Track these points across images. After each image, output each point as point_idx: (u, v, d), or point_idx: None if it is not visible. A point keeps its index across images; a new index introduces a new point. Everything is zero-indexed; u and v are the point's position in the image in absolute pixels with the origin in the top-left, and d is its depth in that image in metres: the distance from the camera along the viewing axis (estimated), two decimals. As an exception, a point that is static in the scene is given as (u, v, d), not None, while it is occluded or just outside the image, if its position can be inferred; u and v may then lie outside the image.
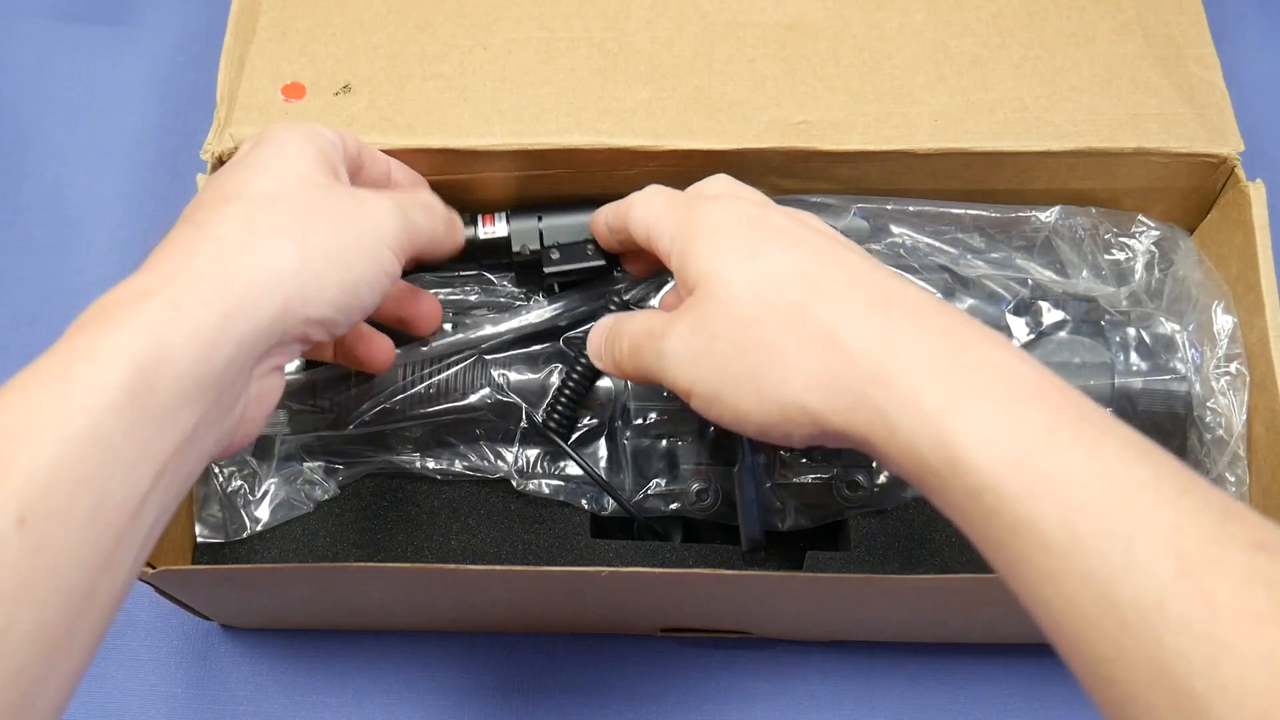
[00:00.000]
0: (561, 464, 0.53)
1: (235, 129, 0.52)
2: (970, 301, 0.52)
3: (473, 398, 0.52)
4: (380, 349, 0.48)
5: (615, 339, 0.44)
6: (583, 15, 0.55)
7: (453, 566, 0.48)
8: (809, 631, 0.56)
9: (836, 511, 0.52)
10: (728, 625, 0.56)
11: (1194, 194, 0.54)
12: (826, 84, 0.53)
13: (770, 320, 0.37)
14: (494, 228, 0.52)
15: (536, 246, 0.51)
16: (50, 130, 0.69)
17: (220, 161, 0.52)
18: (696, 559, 0.51)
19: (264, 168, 0.39)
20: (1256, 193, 0.51)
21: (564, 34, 0.54)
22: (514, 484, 0.52)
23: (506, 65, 0.53)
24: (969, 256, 0.53)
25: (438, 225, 0.44)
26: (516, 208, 0.52)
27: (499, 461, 0.53)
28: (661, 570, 0.47)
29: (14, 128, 0.69)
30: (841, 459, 0.52)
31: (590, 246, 0.50)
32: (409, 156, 0.51)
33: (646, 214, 0.44)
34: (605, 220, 0.48)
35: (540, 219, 0.51)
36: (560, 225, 0.51)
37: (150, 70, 0.71)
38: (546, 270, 0.50)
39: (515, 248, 0.51)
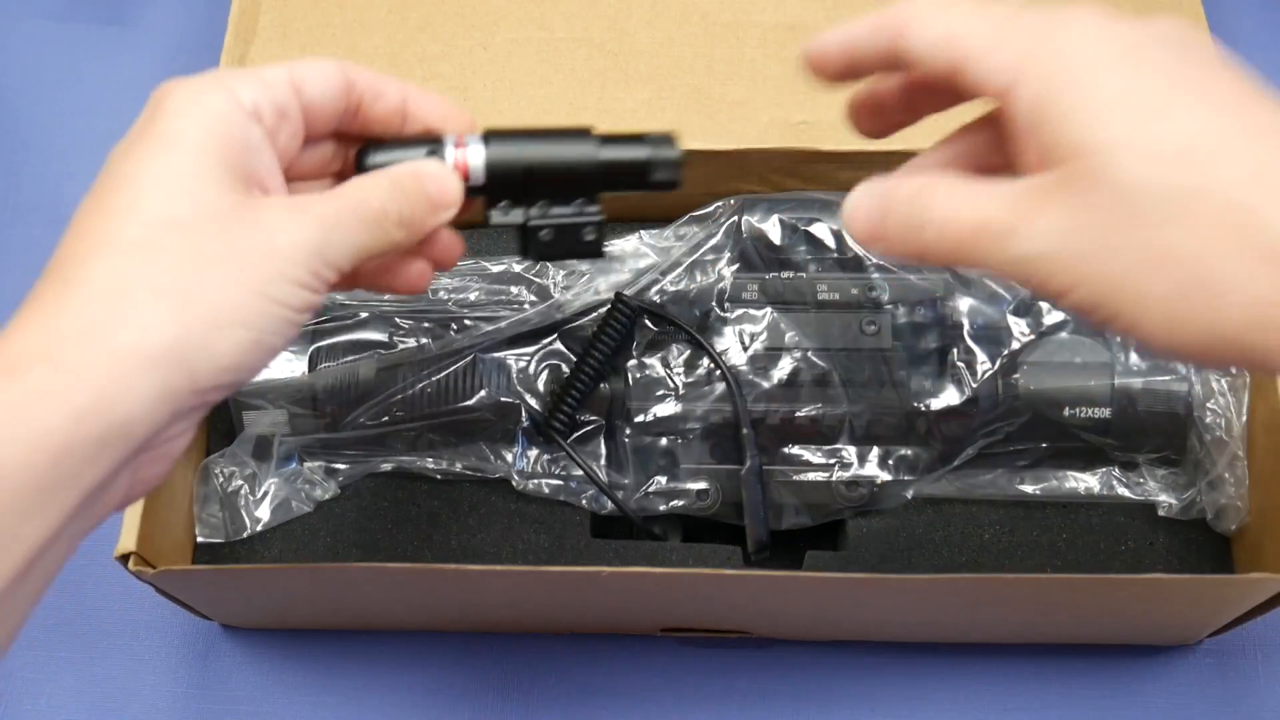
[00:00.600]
0: (561, 464, 0.53)
1: (235, 129, 0.52)
2: (970, 301, 0.52)
3: (472, 399, 0.52)
4: (416, 274, 0.38)
5: (915, 225, 0.31)
6: (583, 15, 0.55)
7: (453, 566, 0.48)
8: (809, 631, 0.56)
9: (836, 511, 0.52)
10: (728, 625, 0.56)
11: (1194, 194, 0.54)
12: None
13: (1195, 223, 0.28)
14: (468, 179, 0.38)
15: (519, 219, 0.38)
16: (50, 130, 0.69)
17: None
18: (696, 559, 0.51)
19: (148, 184, 0.32)
20: (1256, 193, 0.51)
21: (564, 34, 0.54)
22: (514, 484, 0.52)
23: (506, 65, 0.53)
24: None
25: (396, 225, 0.34)
26: (493, 135, 0.38)
27: (499, 461, 0.53)
28: (661, 570, 0.47)
29: (14, 128, 0.69)
30: (841, 458, 0.52)
31: (589, 227, 0.39)
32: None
33: (951, 30, 0.31)
34: (848, 42, 0.35)
35: (529, 176, 0.38)
36: (551, 171, 0.38)
37: (150, 70, 0.71)
38: (528, 258, 0.40)
39: (494, 218, 0.39)
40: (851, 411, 0.51)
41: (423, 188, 0.35)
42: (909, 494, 0.52)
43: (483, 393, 0.52)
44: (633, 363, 0.52)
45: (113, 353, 0.29)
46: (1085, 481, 0.53)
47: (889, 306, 0.52)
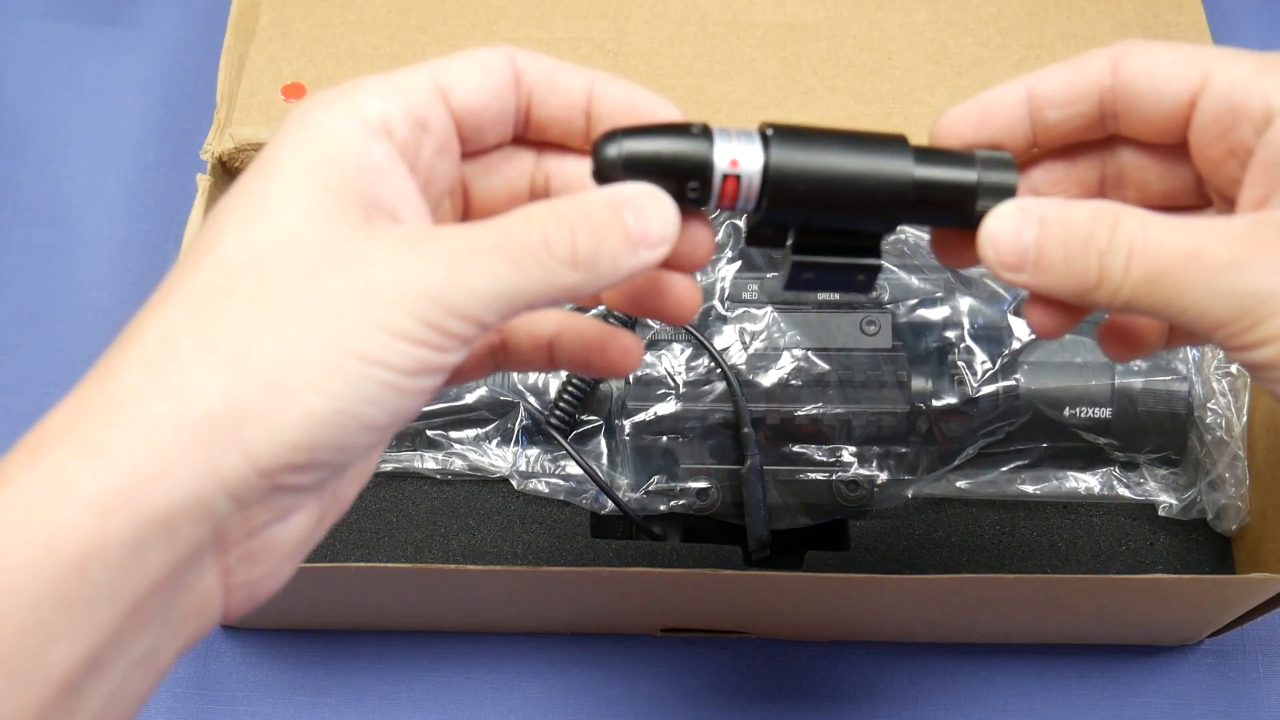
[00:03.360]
0: (561, 463, 0.53)
1: (235, 129, 0.52)
2: (970, 301, 0.52)
3: (470, 397, 0.52)
4: (622, 354, 0.32)
5: (1095, 249, 0.27)
6: (583, 15, 0.55)
7: (453, 567, 0.48)
8: (809, 631, 0.56)
9: (836, 511, 0.52)
10: (728, 625, 0.56)
11: (1194, 194, 0.54)
12: (826, 84, 0.53)
13: None
14: (737, 203, 0.28)
15: (784, 244, 0.30)
16: (50, 130, 0.69)
17: (220, 162, 0.52)
18: (696, 559, 0.51)
19: (233, 223, 0.26)
20: (1256, 193, 0.51)
21: (564, 34, 0.54)
22: (514, 484, 0.52)
23: (506, 65, 0.53)
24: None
25: (568, 265, 0.26)
26: (778, 132, 0.28)
27: (499, 461, 0.53)
28: (661, 570, 0.47)
29: (14, 128, 0.69)
30: (841, 458, 0.52)
31: (863, 272, 0.30)
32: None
33: (1192, 57, 0.28)
34: (1057, 91, 0.30)
35: (815, 202, 0.28)
36: (845, 190, 0.28)
37: (150, 70, 0.71)
38: (784, 287, 0.30)
39: (752, 239, 0.30)
40: (851, 411, 0.51)
41: (617, 218, 0.26)
42: (909, 494, 0.52)
43: (482, 391, 0.52)
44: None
45: (146, 427, 0.23)
46: (1085, 481, 0.53)
47: (889, 306, 0.52)
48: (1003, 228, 0.28)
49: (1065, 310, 0.30)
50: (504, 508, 0.52)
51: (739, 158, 0.27)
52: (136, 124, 0.69)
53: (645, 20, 0.55)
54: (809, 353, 0.51)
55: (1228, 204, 0.29)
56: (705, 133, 0.27)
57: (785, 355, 0.51)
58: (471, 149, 0.29)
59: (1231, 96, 0.27)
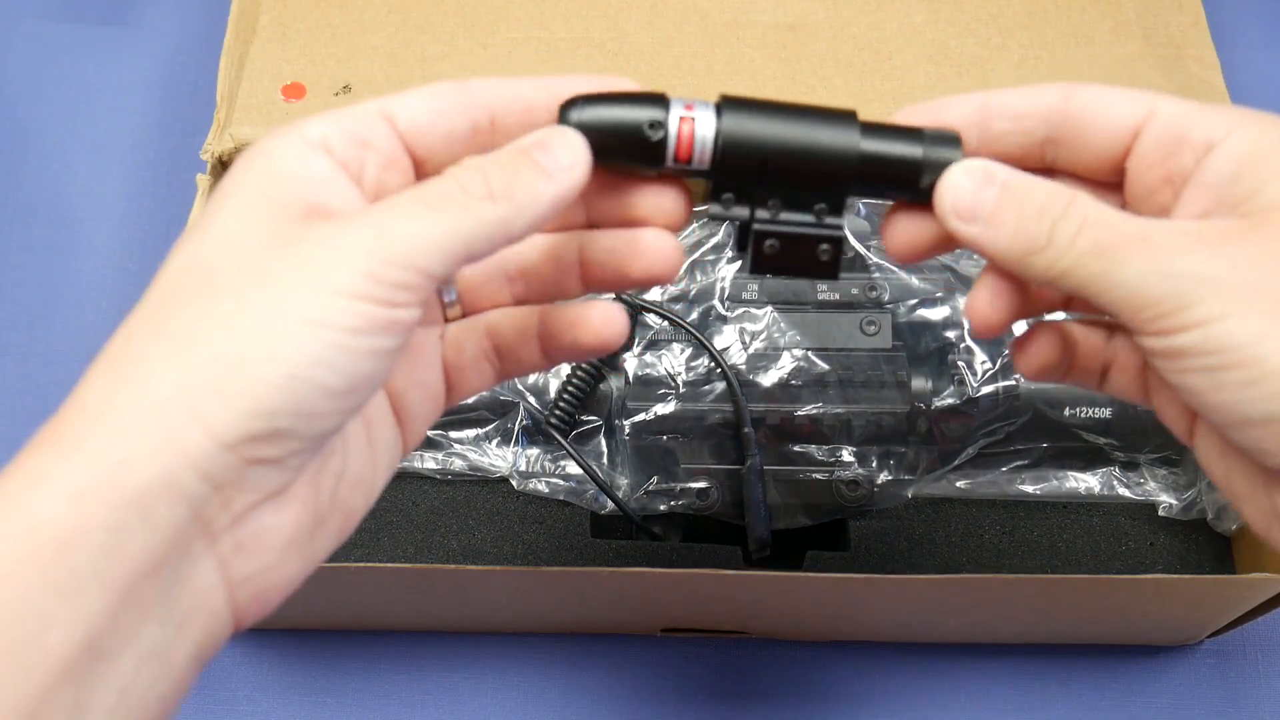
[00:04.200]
0: (561, 463, 0.53)
1: (235, 129, 0.52)
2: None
3: (470, 397, 0.51)
4: (604, 322, 0.33)
5: (1049, 216, 0.28)
6: (583, 15, 0.55)
7: (453, 567, 0.48)
8: (809, 631, 0.56)
9: (836, 511, 0.52)
10: (728, 625, 0.56)
11: (1194, 194, 0.54)
12: (826, 84, 0.53)
13: None
14: (692, 157, 0.30)
15: (744, 216, 0.31)
16: (50, 130, 0.69)
17: (220, 162, 0.52)
18: (696, 559, 0.51)
19: (185, 241, 0.28)
20: (1256, 193, 0.51)
21: (564, 34, 0.54)
22: (514, 484, 0.52)
23: (507, 65, 0.53)
24: (971, 255, 0.53)
25: (487, 200, 0.27)
26: (731, 103, 0.30)
27: (499, 461, 0.53)
28: (661, 570, 0.47)
29: (14, 128, 0.69)
30: (841, 458, 0.52)
31: (826, 244, 0.31)
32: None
33: (1141, 95, 0.30)
34: (1010, 104, 0.31)
35: (765, 163, 0.30)
36: (795, 159, 0.30)
37: (150, 70, 0.71)
38: (748, 270, 0.32)
39: (714, 211, 0.31)
40: (851, 411, 0.51)
41: (525, 157, 0.28)
42: (909, 494, 0.52)
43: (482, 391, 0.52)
44: (633, 361, 0.52)
45: (111, 418, 0.24)
46: (1085, 481, 0.53)
47: (889, 306, 0.52)
48: (965, 181, 0.30)
49: (1008, 299, 0.31)
50: (504, 508, 0.52)
51: (694, 114, 0.29)
52: (136, 124, 0.69)
53: (645, 20, 0.55)
54: (809, 353, 0.51)
55: None
56: (659, 97, 0.29)
57: (785, 355, 0.51)
58: (435, 171, 0.30)
59: (1177, 125, 0.30)
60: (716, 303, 0.52)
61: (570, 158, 0.28)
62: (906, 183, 0.30)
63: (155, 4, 0.73)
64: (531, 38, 0.54)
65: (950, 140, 0.30)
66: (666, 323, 0.53)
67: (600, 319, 0.33)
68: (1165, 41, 0.55)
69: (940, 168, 0.30)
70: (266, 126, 0.52)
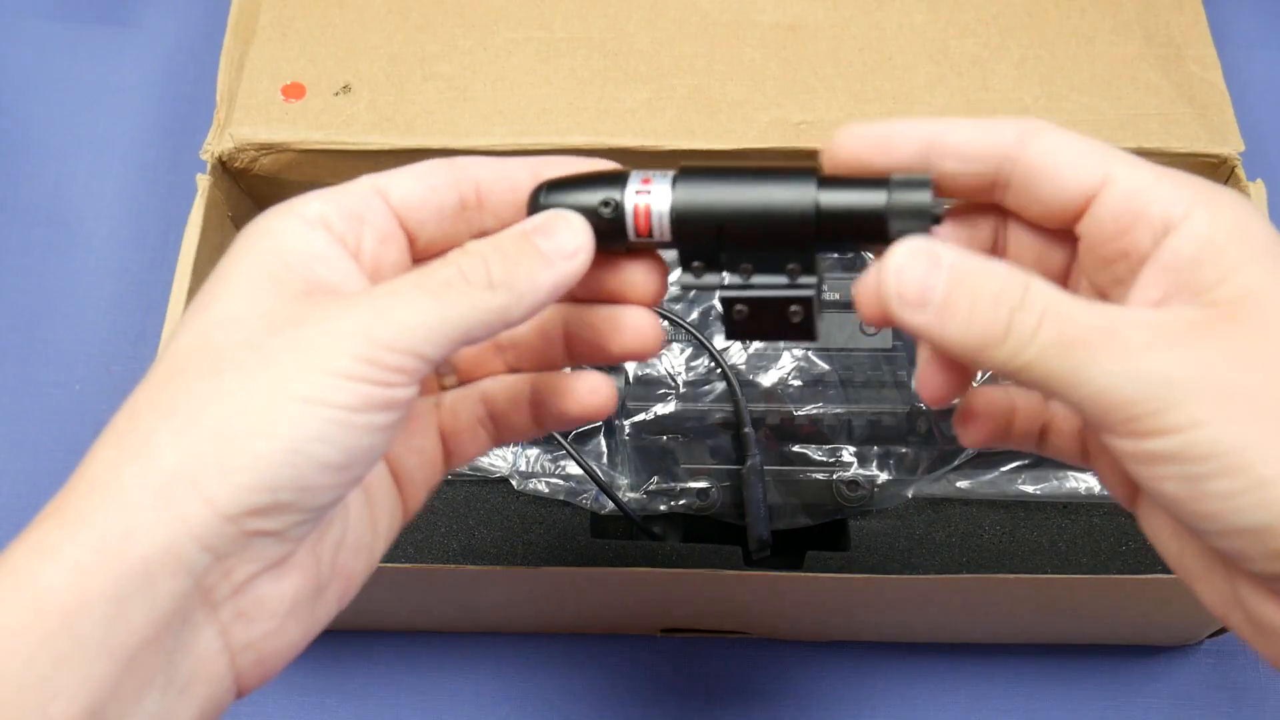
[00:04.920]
0: (561, 463, 0.53)
1: (235, 129, 0.52)
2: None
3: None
4: (590, 392, 0.33)
5: (1004, 304, 0.26)
6: (583, 15, 0.55)
7: (453, 566, 0.48)
8: (809, 631, 0.56)
9: (836, 511, 0.52)
10: (728, 625, 0.56)
11: (1194, 194, 0.54)
12: (826, 84, 0.53)
13: None
14: (651, 230, 0.30)
15: (716, 280, 0.30)
16: (50, 130, 0.69)
17: (220, 162, 0.52)
18: (696, 559, 0.51)
19: (188, 321, 0.28)
20: (1257, 193, 0.51)
21: (564, 34, 0.54)
22: (514, 484, 0.52)
23: (506, 65, 0.53)
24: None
25: (487, 289, 0.28)
26: (688, 173, 0.30)
27: (499, 461, 0.53)
28: (661, 570, 0.47)
29: (14, 128, 0.69)
30: (841, 458, 0.52)
31: (796, 305, 0.30)
32: (409, 157, 0.51)
33: (1098, 149, 0.28)
34: (963, 145, 0.29)
35: (723, 234, 0.29)
36: (748, 224, 0.29)
37: (150, 70, 0.71)
38: (727, 336, 0.31)
39: (686, 281, 0.31)
40: (851, 411, 0.51)
41: (527, 243, 0.29)
42: (909, 494, 0.52)
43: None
44: (633, 361, 0.52)
45: (116, 492, 0.25)
46: (1085, 481, 0.53)
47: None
48: (910, 263, 0.27)
49: (958, 373, 0.30)
50: (504, 508, 0.52)
51: (651, 188, 0.29)
52: (136, 124, 0.69)
53: (645, 20, 0.55)
54: (809, 353, 0.51)
55: (1103, 298, 0.30)
56: (621, 175, 0.30)
57: (785, 355, 0.51)
58: (427, 245, 0.31)
59: (1134, 201, 0.28)
60: (717, 302, 0.52)
61: (573, 243, 0.29)
62: (874, 233, 0.28)
63: (155, 4, 0.73)
64: (531, 38, 0.54)
65: (919, 184, 0.28)
66: (666, 323, 0.53)
67: (587, 390, 0.33)
68: (1165, 41, 0.55)
69: (910, 214, 0.28)
70: (266, 126, 0.52)
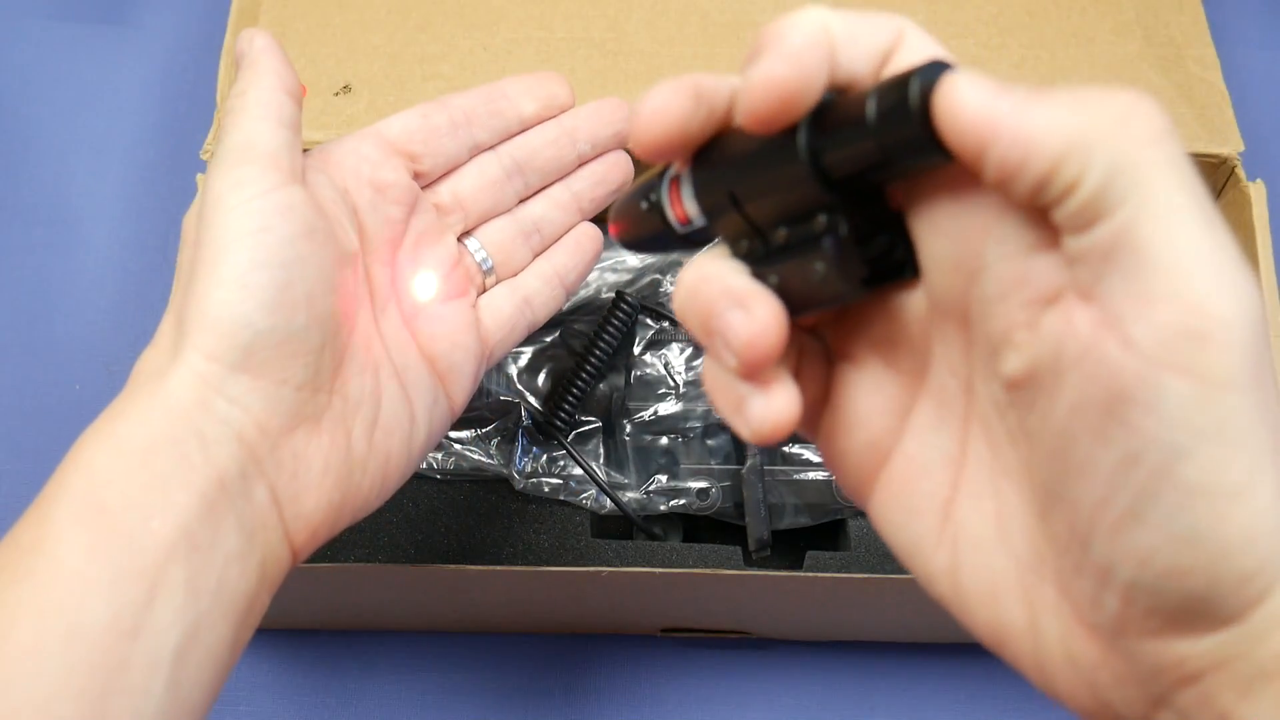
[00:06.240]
0: (561, 463, 0.53)
1: (235, 129, 0.52)
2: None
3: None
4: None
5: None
6: (583, 15, 0.55)
7: (453, 566, 0.48)
8: (809, 631, 0.56)
9: (836, 511, 0.52)
10: (728, 625, 0.56)
11: (1194, 194, 0.54)
12: (826, 84, 0.53)
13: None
14: (689, 216, 0.28)
15: (743, 245, 0.27)
16: (50, 130, 0.69)
17: (220, 161, 0.52)
18: (696, 559, 0.51)
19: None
20: (1257, 193, 0.51)
21: (564, 34, 0.54)
22: (514, 484, 0.52)
23: (506, 65, 0.53)
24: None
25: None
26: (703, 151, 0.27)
27: (499, 461, 0.53)
28: (661, 570, 0.47)
29: (14, 128, 0.69)
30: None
31: (818, 255, 0.25)
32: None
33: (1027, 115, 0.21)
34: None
35: (735, 199, 0.26)
36: (755, 186, 0.26)
37: (150, 70, 0.71)
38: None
39: (729, 247, 0.27)
40: (851, 411, 0.51)
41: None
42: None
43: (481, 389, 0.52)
44: (633, 361, 0.52)
45: (150, 369, 0.32)
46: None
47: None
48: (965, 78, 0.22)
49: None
50: (504, 508, 0.52)
51: (678, 170, 0.28)
52: (136, 124, 0.69)
53: (645, 20, 0.55)
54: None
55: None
56: (663, 169, 0.29)
57: (785, 355, 0.51)
58: (431, 167, 0.41)
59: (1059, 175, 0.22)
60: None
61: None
62: (876, 154, 0.23)
63: (155, 4, 0.73)
64: (531, 38, 0.54)
65: (902, 81, 0.22)
66: (666, 323, 0.53)
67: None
68: (1165, 41, 0.55)
69: (903, 83, 0.22)
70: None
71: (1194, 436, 0.20)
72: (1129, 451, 0.21)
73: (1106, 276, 0.21)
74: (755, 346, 0.24)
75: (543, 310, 0.42)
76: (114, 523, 0.29)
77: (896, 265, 0.25)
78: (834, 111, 0.24)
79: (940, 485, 0.26)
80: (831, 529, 0.53)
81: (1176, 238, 0.20)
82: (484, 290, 0.41)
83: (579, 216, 0.42)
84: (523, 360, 0.53)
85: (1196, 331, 0.20)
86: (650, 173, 0.29)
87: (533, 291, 0.41)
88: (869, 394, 0.27)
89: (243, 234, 0.32)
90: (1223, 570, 0.21)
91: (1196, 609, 0.21)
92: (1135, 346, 0.20)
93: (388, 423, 0.35)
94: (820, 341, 0.28)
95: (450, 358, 0.38)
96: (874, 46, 0.24)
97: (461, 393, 0.38)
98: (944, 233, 0.24)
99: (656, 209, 0.28)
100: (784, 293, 0.25)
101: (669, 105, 0.25)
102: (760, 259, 0.26)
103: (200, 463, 0.30)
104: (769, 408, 0.25)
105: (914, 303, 0.26)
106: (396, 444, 0.36)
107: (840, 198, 0.24)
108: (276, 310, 0.32)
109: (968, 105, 0.21)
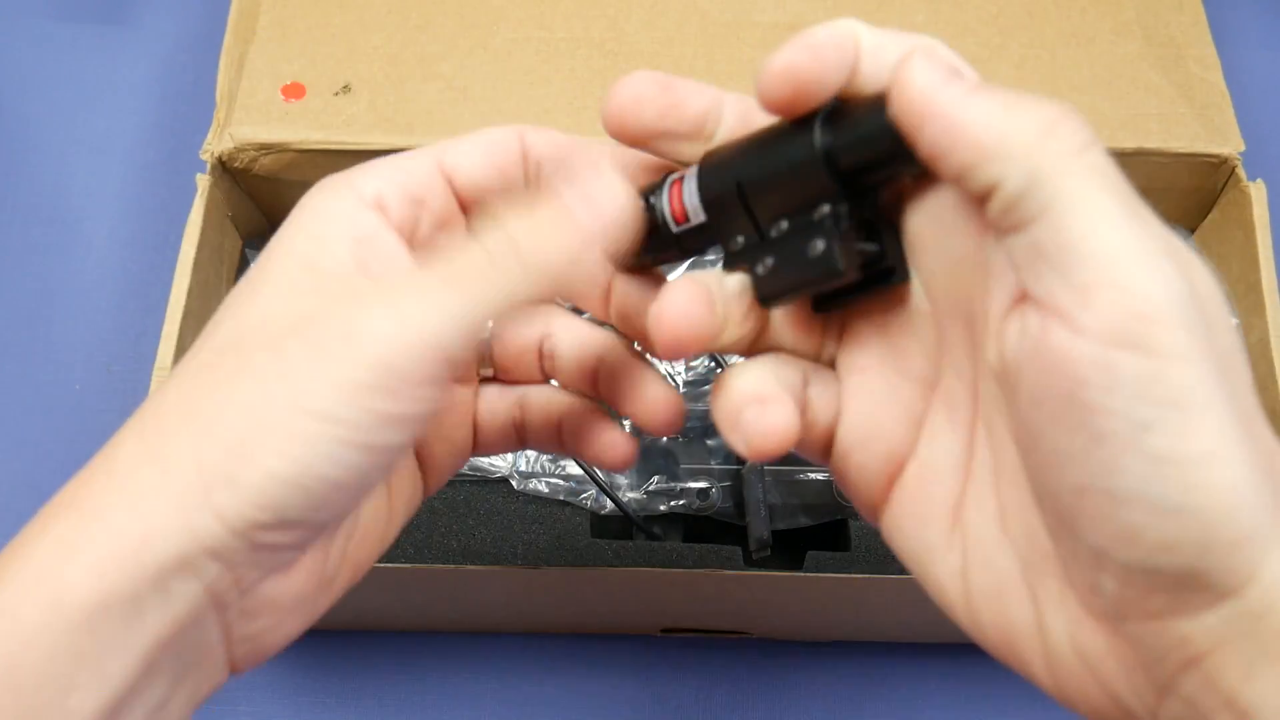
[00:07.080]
0: (561, 463, 0.52)
1: (235, 129, 0.52)
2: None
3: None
4: (612, 446, 0.33)
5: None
6: (583, 15, 0.55)
7: (453, 567, 0.48)
8: (809, 631, 0.56)
9: (836, 511, 0.52)
10: (728, 625, 0.56)
11: (1194, 194, 0.54)
12: (826, 84, 0.53)
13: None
14: (687, 214, 0.29)
15: (739, 241, 0.28)
16: (50, 130, 0.69)
17: (220, 162, 0.52)
18: (696, 559, 0.51)
19: (230, 306, 0.28)
20: (1257, 193, 0.51)
21: (564, 34, 0.54)
22: (514, 484, 0.52)
23: (506, 65, 0.53)
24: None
25: (532, 277, 0.26)
26: (710, 154, 0.28)
27: (499, 461, 0.52)
28: (661, 570, 0.47)
29: (14, 128, 0.69)
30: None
31: (816, 241, 0.26)
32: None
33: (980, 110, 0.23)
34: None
35: (741, 189, 0.27)
36: (763, 182, 0.27)
37: (150, 70, 0.71)
38: (763, 306, 0.28)
39: (722, 247, 0.29)
40: (851, 411, 0.51)
41: (560, 215, 0.27)
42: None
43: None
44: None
45: (134, 495, 0.25)
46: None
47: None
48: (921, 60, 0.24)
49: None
50: (504, 508, 0.52)
51: (681, 174, 0.29)
52: (136, 124, 0.69)
53: (645, 20, 0.55)
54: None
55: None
56: (665, 176, 0.29)
57: (785, 355, 0.51)
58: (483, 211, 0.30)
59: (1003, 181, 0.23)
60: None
61: (613, 206, 0.27)
62: (890, 151, 0.24)
63: (155, 4, 0.73)
64: (531, 38, 0.54)
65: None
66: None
67: (606, 444, 0.33)
68: (1165, 41, 0.55)
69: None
70: (266, 126, 0.52)
71: (1154, 406, 0.21)
72: (1095, 432, 0.22)
73: (1046, 274, 0.22)
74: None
75: (535, 443, 0.35)
76: (29, 702, 0.24)
77: (887, 270, 0.27)
78: (849, 105, 0.25)
79: (950, 489, 0.27)
80: (832, 529, 0.53)
81: (1105, 234, 0.22)
82: (482, 381, 0.35)
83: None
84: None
85: (1140, 313, 0.21)
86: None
87: (533, 419, 0.35)
88: (883, 404, 0.28)
89: (333, 418, 0.25)
90: (1209, 540, 0.21)
91: (1190, 583, 0.22)
92: (1086, 333, 0.21)
93: (366, 531, 0.30)
94: (828, 367, 0.29)
95: (436, 448, 0.33)
96: (899, 60, 0.24)
97: (437, 483, 0.34)
98: (945, 229, 0.25)
99: (652, 209, 0.29)
100: (777, 275, 0.27)
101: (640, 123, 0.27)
102: (755, 249, 0.27)
103: (154, 622, 0.25)
104: (764, 420, 0.26)
105: (922, 307, 0.27)
106: (368, 551, 0.31)
107: (844, 190, 0.26)
108: (320, 510, 0.26)
109: (913, 83, 0.23)
